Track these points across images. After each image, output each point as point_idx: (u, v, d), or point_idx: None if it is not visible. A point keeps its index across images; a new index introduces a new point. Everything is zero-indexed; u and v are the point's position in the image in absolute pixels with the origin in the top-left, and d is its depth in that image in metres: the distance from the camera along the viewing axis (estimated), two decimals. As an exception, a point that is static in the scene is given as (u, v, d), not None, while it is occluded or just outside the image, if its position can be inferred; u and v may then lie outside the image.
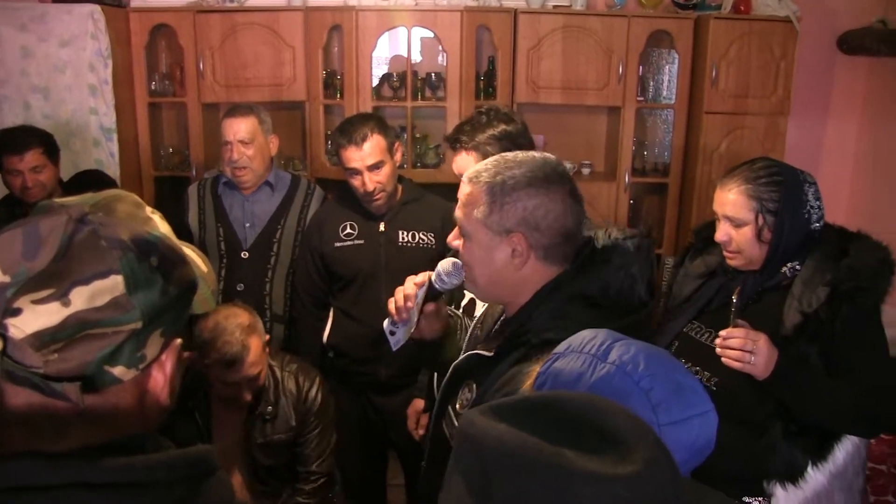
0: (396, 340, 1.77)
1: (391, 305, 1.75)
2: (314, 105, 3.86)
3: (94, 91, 3.71)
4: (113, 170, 3.75)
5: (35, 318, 0.77)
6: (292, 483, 2.53)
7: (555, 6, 3.88)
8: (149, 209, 0.93)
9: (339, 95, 3.88)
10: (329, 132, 3.94)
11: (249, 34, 3.81)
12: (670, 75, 4.02)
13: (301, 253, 2.95)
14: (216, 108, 4.05)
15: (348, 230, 2.84)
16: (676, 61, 3.85)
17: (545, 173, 1.50)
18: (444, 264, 1.69)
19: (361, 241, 2.81)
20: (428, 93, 3.93)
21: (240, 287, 2.93)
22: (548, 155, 1.59)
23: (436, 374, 2.42)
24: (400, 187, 2.86)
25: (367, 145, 2.67)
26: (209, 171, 3.92)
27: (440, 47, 3.87)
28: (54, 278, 0.79)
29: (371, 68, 3.76)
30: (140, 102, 3.93)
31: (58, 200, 0.87)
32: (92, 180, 2.91)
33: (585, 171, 4.05)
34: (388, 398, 2.90)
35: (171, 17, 3.84)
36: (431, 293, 1.72)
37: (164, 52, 4.07)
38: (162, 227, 0.91)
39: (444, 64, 3.84)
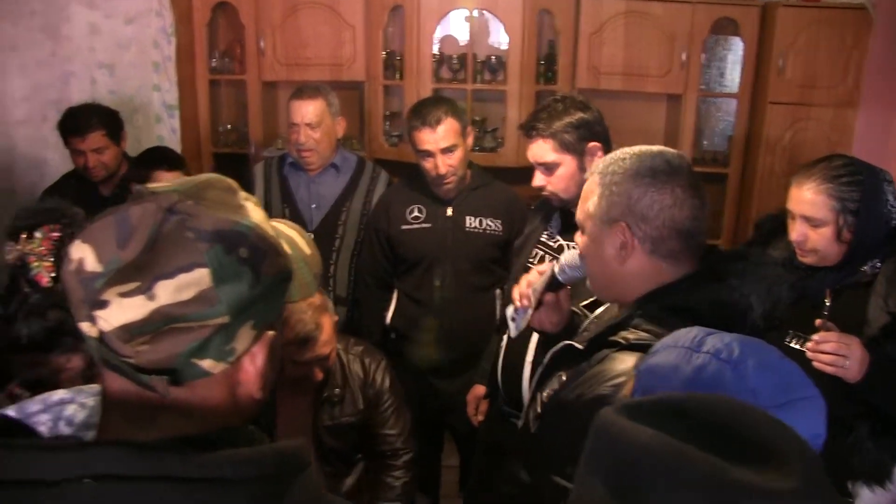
0: (516, 327, 1.79)
1: (514, 292, 1.77)
2: (373, 85, 3.86)
3: (157, 68, 3.75)
4: (174, 146, 3.79)
5: (121, 311, 0.77)
6: (371, 464, 2.56)
7: (618, -10, 3.83)
8: (242, 195, 0.90)
9: (398, 76, 3.88)
10: (387, 113, 3.96)
11: (310, 13, 3.82)
12: (732, 63, 3.97)
13: (367, 235, 2.97)
14: (275, 86, 4.08)
15: (416, 213, 2.85)
16: (739, 49, 3.80)
17: (654, 164, 1.47)
18: (569, 256, 1.68)
19: (429, 225, 2.83)
20: (487, 76, 3.91)
21: (304, 268, 2.95)
22: (665, 148, 1.55)
23: (499, 361, 2.44)
24: (468, 172, 2.86)
25: (441, 128, 2.67)
26: (268, 149, 3.97)
27: (501, 30, 3.85)
28: (140, 271, 0.77)
29: (432, 50, 3.75)
30: (201, 79, 3.96)
31: (151, 186, 0.86)
32: (160, 157, 2.93)
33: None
34: (448, 381, 2.92)
35: (233, -5, 3.86)
36: (553, 284, 1.72)
37: (224, 29, 4.09)
38: (255, 214, 0.87)
39: (504, 47, 3.83)
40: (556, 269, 1.72)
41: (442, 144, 2.70)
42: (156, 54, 3.73)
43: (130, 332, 0.77)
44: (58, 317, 1.15)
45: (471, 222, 2.83)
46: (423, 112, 2.71)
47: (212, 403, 0.85)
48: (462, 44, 3.97)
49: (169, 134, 3.80)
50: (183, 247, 0.79)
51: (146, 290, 0.77)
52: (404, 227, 2.84)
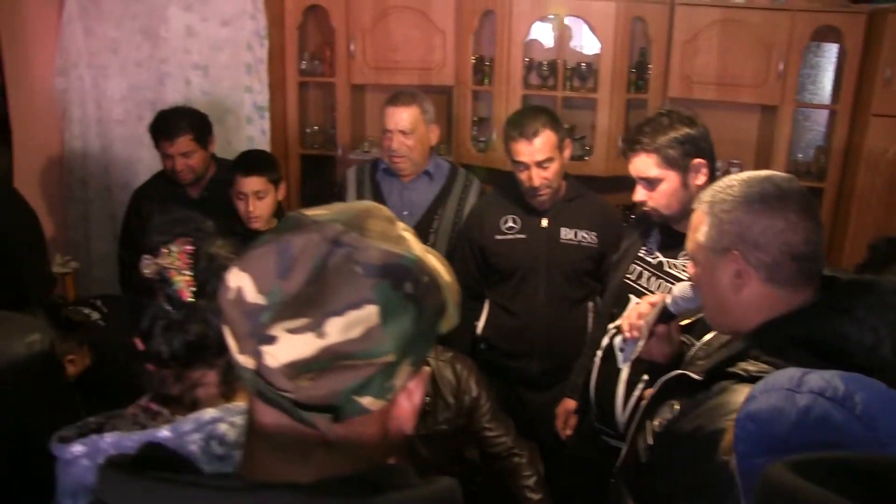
0: (625, 357, 1.77)
1: (624, 323, 1.74)
2: (462, 90, 3.86)
3: (249, 69, 3.80)
4: (263, 147, 3.85)
5: (290, 347, 0.75)
6: (495, 472, 2.56)
7: (713, -2, 3.75)
8: (401, 225, 0.88)
9: (486, 81, 3.86)
10: (475, 118, 3.94)
11: (401, 17, 3.83)
12: (824, 72, 3.85)
13: (459, 244, 2.97)
14: (363, 89, 4.10)
15: (510, 223, 2.83)
16: (832, 57, 3.68)
17: (763, 190, 1.44)
18: (682, 287, 1.66)
19: (523, 236, 2.81)
20: (576, 83, 3.87)
21: (396, 274, 2.96)
22: (773, 173, 1.52)
23: (593, 378, 2.41)
24: (564, 183, 2.83)
25: (537, 140, 2.65)
26: (354, 152, 4.00)
27: (590, 36, 3.80)
28: (309, 306, 0.76)
29: (522, 56, 3.72)
30: (290, 81, 4.01)
31: (309, 214, 0.83)
32: (261, 162, 2.96)
33: (734, 170, 3.90)
34: (537, 393, 2.90)
35: (324, -1, 3.90)
36: (665, 315, 1.70)
37: (314, 32, 4.13)
38: (415, 246, 0.85)
39: (594, 54, 3.78)
40: (669, 301, 1.71)
41: (538, 157, 2.67)
42: (248, 56, 3.78)
43: (297, 369, 0.75)
44: (199, 331, 1.16)
45: (566, 234, 2.80)
46: (522, 122, 2.69)
47: (366, 440, 0.83)
48: (550, 50, 3.94)
49: (259, 135, 3.85)
50: (352, 282, 0.77)
51: (316, 326, 0.75)
52: (498, 237, 2.83)
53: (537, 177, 2.69)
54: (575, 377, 2.71)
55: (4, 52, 3.27)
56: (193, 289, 1.16)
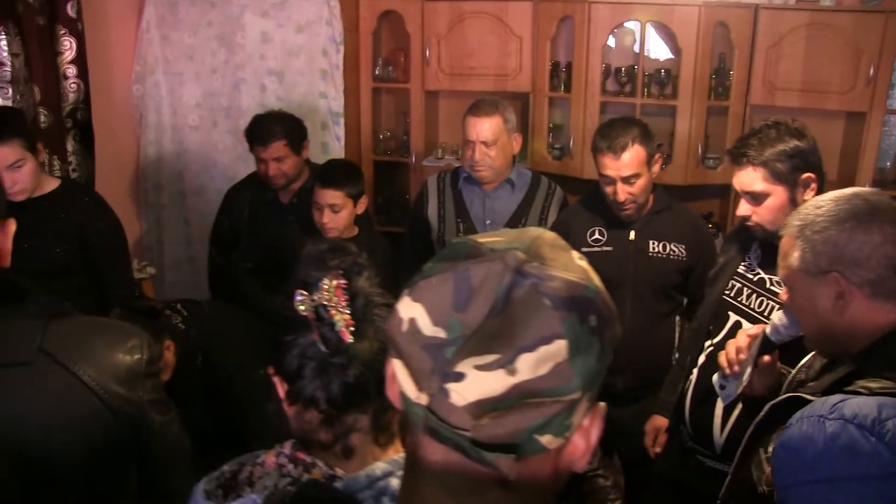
0: (727, 395, 1.71)
1: (722, 359, 1.68)
2: (539, 97, 3.80)
3: (324, 75, 3.80)
4: (337, 153, 3.85)
5: (478, 385, 0.71)
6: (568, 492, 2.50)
7: (799, 1, 3.64)
8: (575, 254, 0.83)
9: (563, 88, 3.81)
10: (551, 125, 3.89)
11: (477, 23, 3.79)
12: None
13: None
14: (436, 95, 4.08)
15: (596, 236, 2.77)
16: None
17: (853, 207, 1.43)
18: (781, 315, 1.62)
19: (610, 248, 2.74)
20: (653, 89, 3.79)
21: (479, 285, 2.91)
22: (859, 189, 1.50)
23: (687, 398, 2.34)
24: (651, 195, 2.76)
25: (625, 156, 2.58)
26: (427, 159, 3.97)
27: (669, 42, 3.72)
28: (497, 341, 0.71)
29: (601, 62, 3.66)
30: (364, 88, 4.00)
31: (482, 241, 0.78)
32: (342, 176, 2.93)
33: (818, 178, 3.80)
34: (621, 409, 2.82)
35: (399, 4, 3.87)
36: (766, 346, 1.64)
37: (387, 38, 4.12)
38: (594, 276, 0.81)
39: (669, 59, 3.71)
40: (769, 331, 1.66)
41: (624, 173, 2.60)
42: (324, 62, 3.78)
43: (483, 407, 0.71)
44: (358, 374, 1.09)
45: (654, 247, 2.72)
46: (611, 135, 2.62)
47: (539, 480, 0.80)
48: (626, 55, 3.87)
49: (333, 141, 3.85)
50: (540, 315, 0.72)
51: (507, 363, 0.71)
52: (584, 249, 2.76)
53: (622, 192, 2.62)
54: (665, 395, 2.64)
55: (89, 59, 3.30)
56: (352, 328, 1.09)
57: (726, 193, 3.84)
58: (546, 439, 0.75)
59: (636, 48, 3.76)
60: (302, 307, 1.08)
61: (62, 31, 3.21)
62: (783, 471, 1.23)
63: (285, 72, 3.81)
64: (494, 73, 3.82)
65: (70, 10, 3.19)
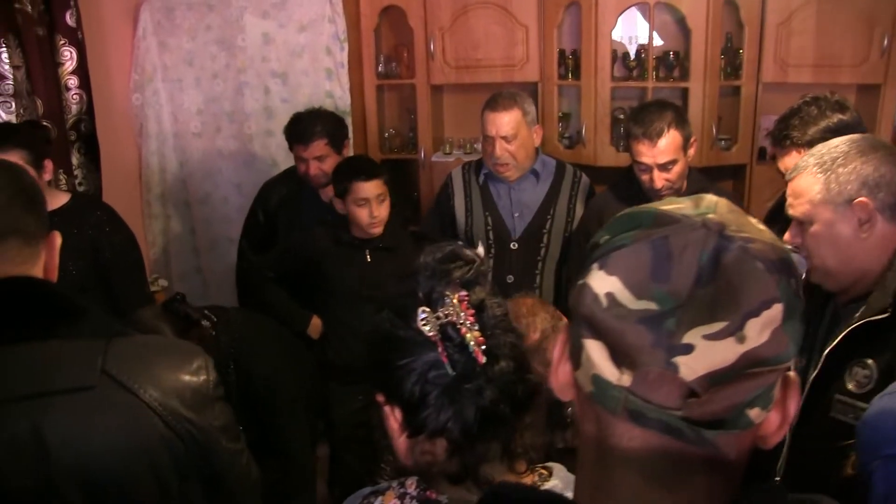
0: None
1: None
2: (548, 86, 3.75)
3: (329, 74, 3.72)
4: (347, 153, 3.77)
5: (708, 356, 0.65)
6: None
7: (807, -25, 3.61)
8: (752, 218, 0.78)
9: (570, 76, 3.75)
10: (560, 114, 3.83)
11: (481, 13, 3.72)
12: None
13: (576, 241, 2.84)
14: (441, 89, 4.01)
15: None
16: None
17: (870, 142, 1.58)
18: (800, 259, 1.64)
19: None
20: (661, 72, 3.74)
21: (509, 279, 2.86)
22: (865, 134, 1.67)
23: None
24: (685, 180, 2.71)
25: (662, 142, 2.52)
26: (436, 154, 3.90)
27: (676, 24, 3.68)
28: (720, 308, 0.66)
29: (610, 47, 3.60)
30: (368, 85, 3.92)
31: (668, 208, 0.72)
32: (376, 166, 2.85)
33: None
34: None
35: (401, -1, 3.80)
36: None
37: (388, 34, 4.04)
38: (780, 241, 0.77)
39: (682, 41, 3.66)
40: None
41: (660, 160, 2.54)
42: (328, 61, 3.70)
43: (711, 380, 0.65)
44: (493, 398, 0.98)
45: None
46: (646, 120, 2.54)
47: (739, 459, 0.73)
48: (633, 40, 3.82)
49: (341, 142, 3.77)
50: (756, 278, 0.67)
51: (735, 330, 0.65)
52: None
53: (659, 179, 2.56)
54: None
55: (91, 70, 3.20)
56: (484, 347, 0.97)
57: (740, 174, 3.81)
58: (754, 413, 0.69)
59: (644, 31, 3.70)
60: (427, 327, 0.97)
61: (62, 42, 3.11)
62: (865, 448, 1.23)
63: (289, 73, 3.73)
64: (501, 63, 3.75)
65: (69, 20, 3.09)
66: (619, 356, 0.67)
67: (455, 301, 0.97)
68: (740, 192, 3.81)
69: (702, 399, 0.65)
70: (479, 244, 2.83)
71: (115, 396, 1.20)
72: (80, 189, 3.26)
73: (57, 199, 2.63)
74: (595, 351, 0.69)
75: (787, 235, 1.63)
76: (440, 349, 0.97)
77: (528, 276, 2.89)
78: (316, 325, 2.88)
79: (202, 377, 1.30)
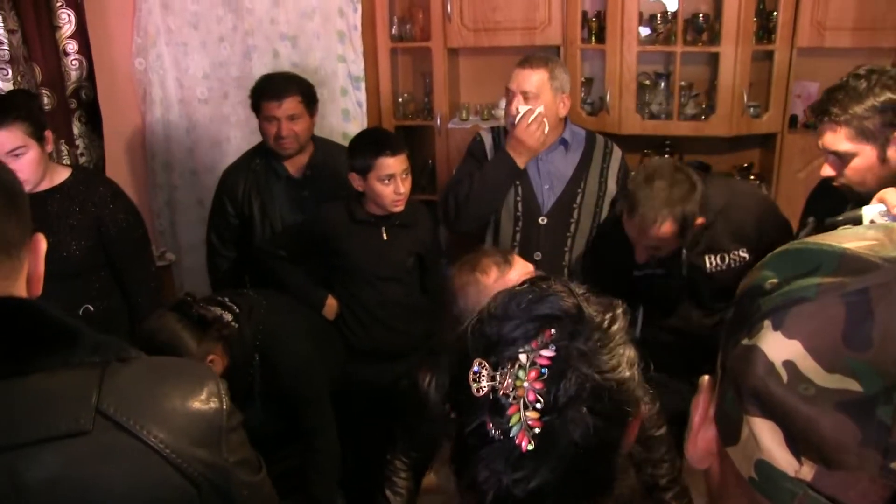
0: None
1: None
2: (571, 50, 3.56)
3: (342, 37, 3.54)
4: (359, 120, 3.62)
5: None
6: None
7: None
8: None
9: (594, 39, 3.57)
10: (583, 79, 3.66)
11: (501, -27, 3.53)
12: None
13: (611, 218, 2.68)
14: (457, 53, 3.83)
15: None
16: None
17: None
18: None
19: (661, 272, 2.51)
20: (690, 36, 3.56)
21: (537, 256, 2.71)
22: None
23: None
24: None
25: (659, 231, 2.24)
26: (452, 121, 3.74)
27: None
28: None
29: (638, 9, 3.42)
30: (382, 48, 3.73)
31: (857, 248, 0.56)
32: (398, 139, 2.69)
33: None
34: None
35: (416, -44, 3.61)
36: None
37: (403, -7, 3.85)
38: None
39: (711, 3, 3.47)
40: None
41: (662, 249, 2.33)
42: (340, 23, 3.52)
43: None
44: (546, 482, 0.80)
45: (712, 262, 2.47)
46: (648, 203, 2.22)
47: None
48: (658, 2, 3.63)
49: (354, 107, 3.61)
50: None
51: None
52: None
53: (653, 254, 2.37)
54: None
55: (90, 33, 3.03)
56: (537, 430, 0.78)
57: (770, 143, 3.65)
58: None
59: (673, -9, 3.51)
60: (479, 385, 0.80)
61: (59, 3, 2.94)
62: None
63: (299, 36, 3.55)
64: (522, 26, 3.56)
65: (67, -21, 2.91)
66: (800, 443, 0.53)
67: (525, 366, 0.79)
68: (770, 162, 3.65)
69: None
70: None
71: (114, 441, 0.99)
72: (83, 160, 3.11)
73: (58, 175, 2.50)
74: (766, 433, 0.55)
75: None
76: (486, 415, 0.80)
77: (557, 253, 2.74)
78: (331, 305, 2.74)
79: (214, 405, 1.09)
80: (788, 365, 0.53)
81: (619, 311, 0.86)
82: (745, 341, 0.57)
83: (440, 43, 3.64)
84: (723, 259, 2.43)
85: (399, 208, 2.59)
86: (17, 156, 2.29)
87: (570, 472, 0.79)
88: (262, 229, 2.97)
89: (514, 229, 2.74)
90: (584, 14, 3.57)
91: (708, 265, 2.43)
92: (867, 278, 0.53)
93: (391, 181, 2.54)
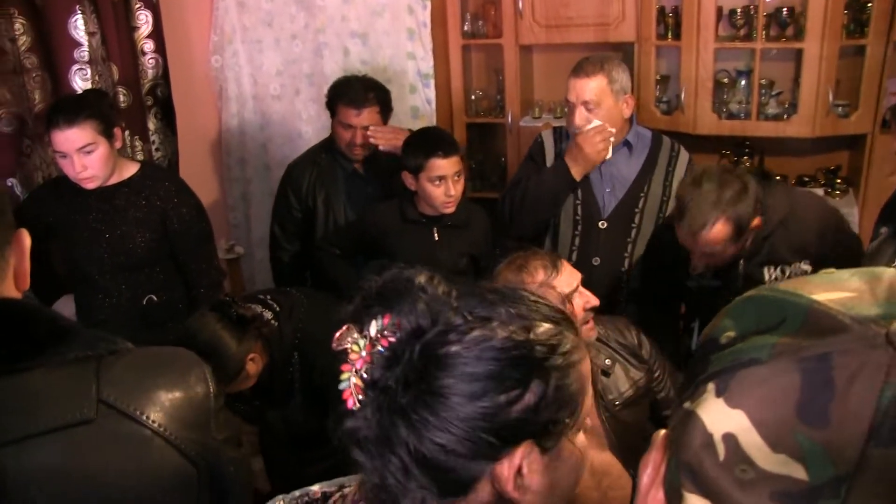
0: None
1: None
2: (645, 47, 3.45)
3: (412, 35, 3.53)
4: (428, 117, 3.61)
5: None
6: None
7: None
8: None
9: (670, 35, 3.45)
10: (658, 77, 3.54)
11: (573, -33, 3.45)
12: None
13: (664, 224, 2.59)
14: (530, 49, 3.77)
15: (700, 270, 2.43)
16: None
17: None
18: None
19: (718, 283, 2.40)
20: (773, 31, 3.39)
21: (595, 261, 2.63)
22: None
23: None
24: None
25: (709, 236, 2.16)
26: (524, 119, 3.69)
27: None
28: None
29: (715, 4, 3.28)
30: (453, 45, 3.71)
31: (828, 302, 0.49)
32: (453, 141, 2.66)
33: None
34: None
35: (488, -47, 3.56)
36: None
37: (475, -10, 3.81)
38: None
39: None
40: None
41: (717, 256, 2.25)
42: (410, 20, 3.51)
43: None
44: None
45: (770, 274, 2.35)
46: (697, 217, 2.16)
47: None
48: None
49: (424, 105, 3.60)
50: None
51: None
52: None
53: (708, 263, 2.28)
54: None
55: (166, 32, 3.11)
56: (360, 397, 0.85)
57: (859, 145, 3.45)
58: None
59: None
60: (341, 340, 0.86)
61: (137, 5, 3.03)
62: None
63: (369, 33, 3.56)
64: (595, 22, 3.48)
65: (144, -18, 3.00)
66: None
67: (373, 334, 0.83)
68: (859, 164, 3.45)
69: None
70: None
71: (118, 427, 1.04)
72: (157, 155, 3.20)
73: (126, 169, 2.58)
74: None
75: None
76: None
77: (617, 258, 2.65)
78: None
79: (201, 389, 1.14)
80: (729, 439, 0.47)
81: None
82: (686, 405, 0.51)
83: (512, 40, 3.59)
84: (783, 272, 2.31)
85: (450, 210, 2.57)
86: (87, 152, 2.39)
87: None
88: (326, 224, 3.01)
89: (574, 233, 2.67)
90: (661, 9, 3.45)
91: (767, 277, 2.30)
92: (830, 342, 0.46)
93: (442, 182, 2.51)
